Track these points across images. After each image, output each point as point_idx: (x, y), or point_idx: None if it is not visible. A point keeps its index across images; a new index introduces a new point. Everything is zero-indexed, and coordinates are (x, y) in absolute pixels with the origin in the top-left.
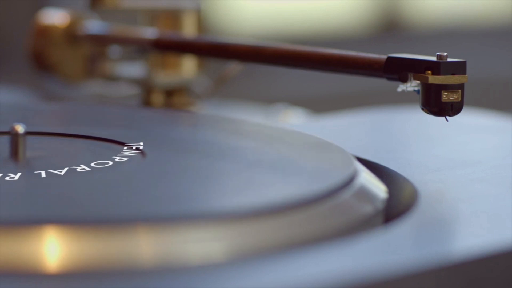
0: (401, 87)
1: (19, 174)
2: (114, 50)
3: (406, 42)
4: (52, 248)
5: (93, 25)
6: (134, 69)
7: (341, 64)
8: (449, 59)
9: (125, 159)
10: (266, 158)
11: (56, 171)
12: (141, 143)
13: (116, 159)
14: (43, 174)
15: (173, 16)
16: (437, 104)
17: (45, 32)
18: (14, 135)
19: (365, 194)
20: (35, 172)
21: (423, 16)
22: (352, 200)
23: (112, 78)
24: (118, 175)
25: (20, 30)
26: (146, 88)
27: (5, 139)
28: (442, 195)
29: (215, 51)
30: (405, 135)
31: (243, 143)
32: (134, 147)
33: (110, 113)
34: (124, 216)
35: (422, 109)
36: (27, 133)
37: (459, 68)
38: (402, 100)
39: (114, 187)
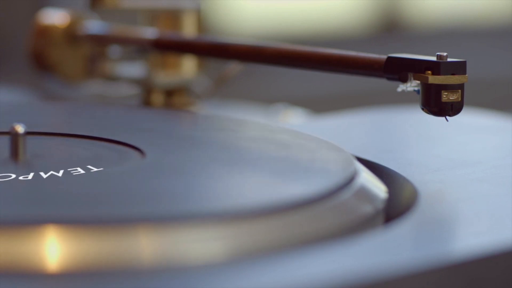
0: (401, 87)
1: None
2: (114, 50)
3: (406, 42)
4: (52, 248)
5: (93, 25)
6: (134, 69)
7: (341, 64)
8: (449, 59)
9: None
10: (266, 158)
11: (56, 171)
12: None
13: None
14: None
15: (173, 16)
16: (437, 104)
17: (45, 32)
18: (14, 135)
19: (365, 194)
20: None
21: (423, 16)
22: (352, 200)
23: (112, 78)
24: (118, 175)
25: (20, 30)
26: (146, 88)
27: (5, 139)
28: (442, 195)
29: (215, 51)
30: (405, 135)
31: (243, 143)
32: None
33: (110, 113)
34: (124, 216)
35: (422, 109)
36: (27, 133)
37: (459, 68)
38: (402, 100)
39: (114, 187)
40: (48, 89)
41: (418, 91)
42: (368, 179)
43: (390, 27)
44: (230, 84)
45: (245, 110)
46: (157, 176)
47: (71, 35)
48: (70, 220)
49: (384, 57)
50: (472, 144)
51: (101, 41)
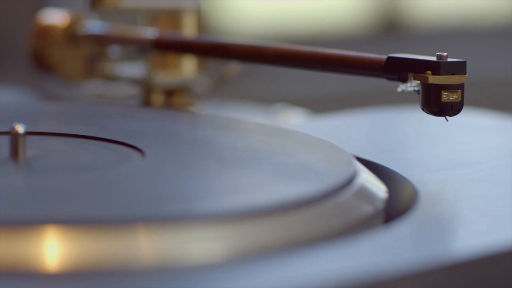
0: (401, 87)
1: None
2: (114, 50)
3: (406, 42)
4: (52, 248)
5: (93, 25)
6: (134, 69)
7: (341, 64)
8: (449, 59)
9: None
10: (266, 158)
11: (56, 171)
12: None
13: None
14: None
15: (173, 16)
16: (437, 104)
17: (45, 32)
18: (14, 135)
19: (365, 194)
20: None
21: (423, 16)
22: (352, 200)
23: (112, 78)
24: (118, 175)
25: (20, 30)
26: (146, 88)
27: (5, 139)
28: (442, 195)
29: (215, 51)
30: (405, 135)
31: (243, 143)
32: None
33: (110, 113)
34: (124, 216)
35: (422, 109)
36: (27, 133)
37: (459, 68)
38: (402, 100)
39: (114, 187)
40: (48, 89)
41: (418, 91)
42: (368, 179)
43: (390, 27)
44: (230, 84)
45: (245, 110)
46: (157, 176)
47: (71, 35)
48: (70, 220)
49: (384, 57)
50: (472, 144)
51: (101, 41)
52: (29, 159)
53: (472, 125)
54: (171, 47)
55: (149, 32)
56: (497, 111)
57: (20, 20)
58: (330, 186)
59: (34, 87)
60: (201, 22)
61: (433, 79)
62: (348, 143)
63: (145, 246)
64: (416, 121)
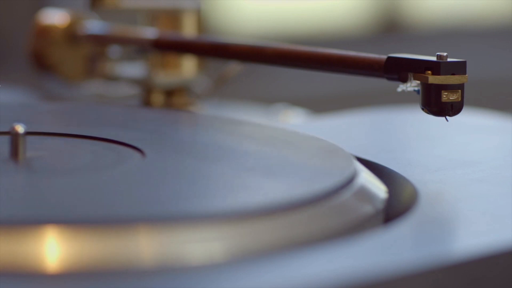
0: (401, 87)
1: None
2: (114, 50)
3: (406, 42)
4: (52, 248)
5: (93, 25)
6: (134, 69)
7: (341, 64)
8: (449, 59)
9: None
10: (266, 158)
11: (56, 171)
12: None
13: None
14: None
15: (173, 16)
16: (437, 104)
17: (45, 32)
18: (14, 135)
19: (365, 194)
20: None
21: (423, 16)
22: (352, 200)
23: (112, 78)
24: (118, 175)
25: (20, 30)
26: (146, 88)
27: (5, 139)
28: (442, 195)
29: (215, 51)
30: (405, 135)
31: (243, 144)
32: None
33: (110, 113)
34: (125, 216)
35: (422, 109)
36: (27, 133)
37: (459, 68)
38: (402, 100)
39: (114, 187)
40: (48, 89)
41: (418, 91)
42: (368, 179)
43: (390, 27)
44: (230, 84)
45: (245, 110)
46: (157, 176)
47: (71, 35)
48: (70, 220)
49: (384, 57)
50: (472, 144)
51: (101, 41)
52: (29, 159)
53: (472, 125)
54: (171, 47)
55: (149, 32)
56: (497, 111)
57: (20, 20)
58: (330, 186)
59: (34, 87)
60: (201, 22)
61: (433, 79)
62: (348, 143)
63: (145, 246)
64: (416, 121)
